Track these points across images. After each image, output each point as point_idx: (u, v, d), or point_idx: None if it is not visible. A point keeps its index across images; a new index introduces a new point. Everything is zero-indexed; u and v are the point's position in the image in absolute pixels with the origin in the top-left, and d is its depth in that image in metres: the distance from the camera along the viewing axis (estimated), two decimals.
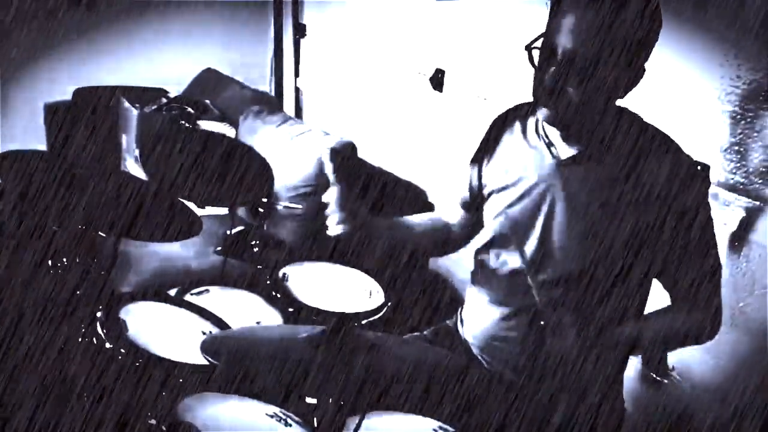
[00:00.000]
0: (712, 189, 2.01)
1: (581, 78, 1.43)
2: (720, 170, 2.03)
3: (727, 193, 2.02)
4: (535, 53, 1.49)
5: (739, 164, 2.01)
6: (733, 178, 2.02)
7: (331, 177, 1.60)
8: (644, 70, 1.50)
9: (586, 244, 1.55)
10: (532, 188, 1.61)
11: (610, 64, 1.42)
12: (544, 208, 1.60)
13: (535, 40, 1.48)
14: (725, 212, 2.01)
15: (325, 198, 1.61)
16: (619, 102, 1.55)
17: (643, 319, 1.60)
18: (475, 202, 1.78)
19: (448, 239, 1.87)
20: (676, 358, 2.18)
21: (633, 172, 1.51)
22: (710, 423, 2.12)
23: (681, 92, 2.07)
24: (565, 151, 1.57)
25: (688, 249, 1.51)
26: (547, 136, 1.60)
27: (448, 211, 1.88)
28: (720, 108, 2.01)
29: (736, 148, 2.00)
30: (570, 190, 1.56)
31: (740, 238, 2.03)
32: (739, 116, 1.99)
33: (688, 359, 2.15)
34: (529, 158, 1.62)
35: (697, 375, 2.15)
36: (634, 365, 2.24)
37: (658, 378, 2.21)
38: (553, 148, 1.59)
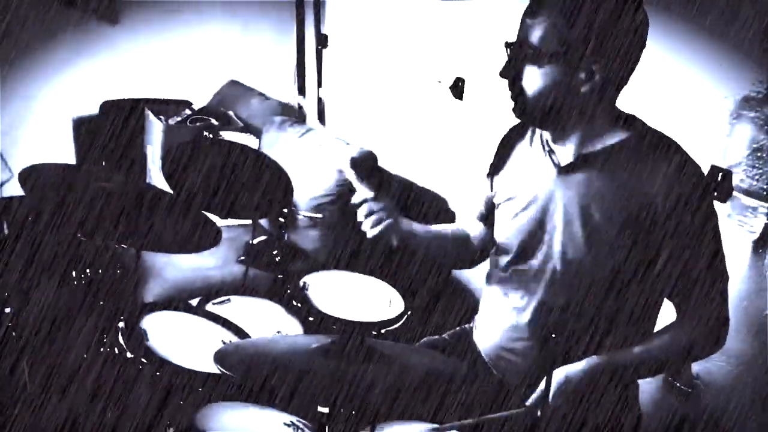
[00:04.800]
0: (735, 195, 1.99)
1: (533, 75, 1.45)
2: (743, 176, 2.01)
3: (750, 199, 1.99)
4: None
5: (762, 170, 1.98)
6: (756, 184, 1.99)
7: (356, 184, 1.62)
8: (627, 75, 1.49)
9: (588, 251, 1.54)
10: (536, 197, 1.61)
11: (570, 62, 1.43)
12: (547, 217, 1.59)
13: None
14: (749, 219, 1.98)
15: (356, 199, 1.62)
16: (625, 109, 1.54)
17: (645, 343, 1.56)
18: (490, 214, 1.78)
19: (470, 252, 1.87)
20: (700, 366, 2.15)
21: (633, 177, 1.49)
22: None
23: (702, 99, 2.05)
24: (565, 158, 1.57)
25: (693, 256, 1.48)
26: (548, 144, 1.60)
27: (468, 224, 1.88)
28: (742, 113, 1.98)
29: (759, 153, 1.98)
30: (569, 197, 1.55)
31: (764, 244, 2.00)
32: (761, 122, 1.96)
33: (712, 368, 2.12)
34: (533, 167, 1.62)
35: (721, 384, 2.11)
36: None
37: (682, 387, 2.18)
38: (553, 156, 1.58)
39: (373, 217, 1.59)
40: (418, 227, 1.74)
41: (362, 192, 1.62)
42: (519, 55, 1.48)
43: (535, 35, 1.45)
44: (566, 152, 1.57)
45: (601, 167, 1.52)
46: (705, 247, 1.48)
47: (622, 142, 1.52)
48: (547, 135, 1.60)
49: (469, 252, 1.87)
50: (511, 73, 1.51)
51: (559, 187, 1.57)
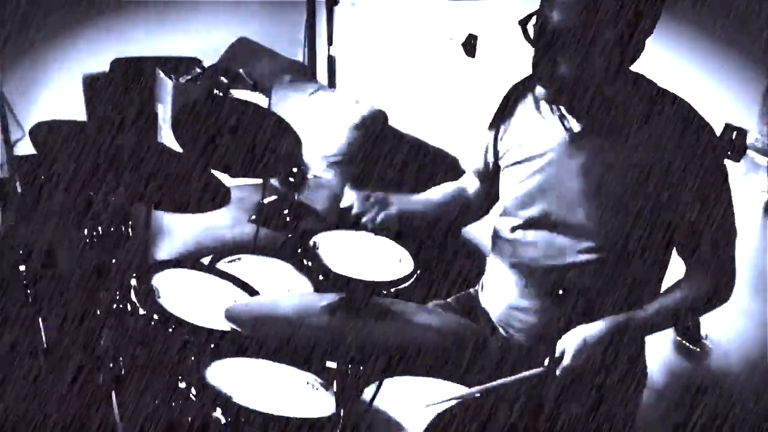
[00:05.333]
0: (749, 154, 1.97)
1: (572, 53, 1.42)
2: (757, 135, 1.98)
3: (764, 158, 1.97)
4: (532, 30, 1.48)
5: None
6: None
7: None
8: (644, 40, 1.46)
9: (601, 217, 1.54)
10: (545, 162, 1.60)
11: (601, 37, 1.40)
12: (556, 182, 1.58)
13: (530, 15, 1.47)
14: (761, 177, 1.97)
15: (345, 203, 1.65)
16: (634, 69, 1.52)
17: (659, 300, 1.58)
18: (490, 173, 1.78)
19: (468, 210, 1.88)
20: (708, 324, 2.16)
21: (646, 140, 1.48)
22: (743, 389, 2.10)
23: (715, 56, 2.02)
24: (576, 122, 1.55)
25: (703, 214, 1.48)
26: (559, 109, 1.58)
27: (467, 180, 1.88)
28: (757, 72, 1.95)
29: None
30: (580, 162, 1.54)
31: None
32: None
33: (721, 326, 2.12)
34: (541, 131, 1.61)
35: (730, 342, 2.12)
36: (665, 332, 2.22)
37: (690, 345, 2.19)
38: (565, 121, 1.56)
39: (369, 215, 1.63)
40: (413, 202, 1.76)
41: (348, 197, 1.65)
42: (552, 35, 1.43)
43: (569, 12, 1.41)
44: (577, 116, 1.55)
45: (612, 130, 1.51)
46: (715, 205, 1.48)
47: (634, 105, 1.50)
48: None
49: (467, 210, 1.88)
50: (538, 48, 1.47)
51: (570, 150, 1.56)
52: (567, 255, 1.59)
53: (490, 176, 1.79)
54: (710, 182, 1.47)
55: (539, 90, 1.50)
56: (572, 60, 1.43)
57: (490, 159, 1.77)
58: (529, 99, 1.66)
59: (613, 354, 1.49)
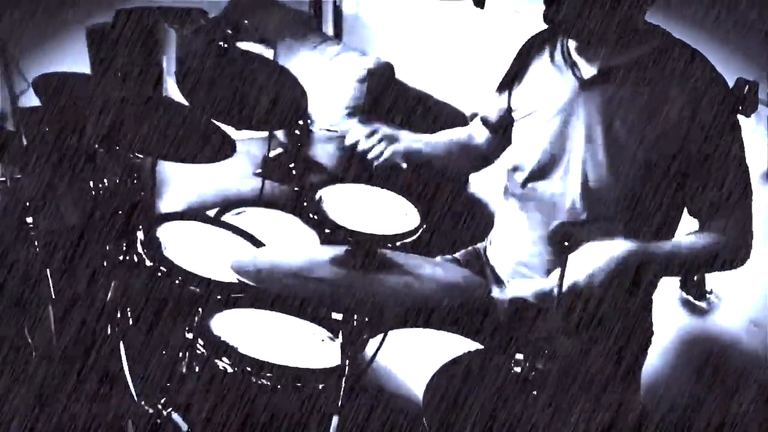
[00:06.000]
0: (761, 108, 1.94)
1: None
2: None
3: None
4: None
5: None
6: None
7: (350, 125, 1.63)
8: None
9: (610, 166, 1.52)
10: (556, 112, 1.58)
11: None
12: (568, 132, 1.57)
13: None
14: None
15: (350, 139, 1.62)
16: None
17: (669, 242, 1.55)
18: (502, 123, 1.76)
19: (474, 158, 1.87)
20: (713, 281, 2.16)
21: (657, 89, 1.45)
22: (748, 347, 2.11)
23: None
24: (588, 71, 1.52)
25: (716, 167, 1.46)
26: (570, 56, 1.55)
27: (476, 129, 1.86)
28: None
29: None
30: (592, 111, 1.52)
31: None
32: None
33: (726, 282, 2.12)
34: (554, 82, 1.59)
35: (735, 298, 2.12)
36: (670, 287, 2.22)
37: (695, 301, 2.19)
38: (576, 70, 1.54)
39: (375, 150, 1.61)
40: (420, 140, 1.75)
41: (356, 130, 1.63)
42: None
43: None
44: (590, 65, 1.53)
45: (624, 80, 1.49)
46: (730, 162, 1.45)
47: (646, 54, 1.47)
48: (571, 46, 1.56)
49: (473, 158, 1.88)
50: None
51: (581, 101, 1.54)
52: (577, 210, 1.58)
53: (501, 126, 1.78)
54: (722, 134, 1.45)
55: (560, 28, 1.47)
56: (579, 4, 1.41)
57: (503, 109, 1.75)
58: (545, 51, 1.64)
59: (621, 283, 1.44)
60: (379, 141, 1.67)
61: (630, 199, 1.52)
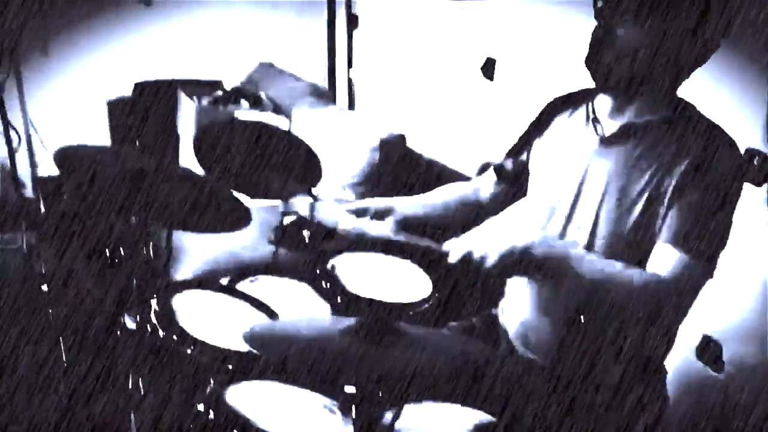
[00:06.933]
0: None
1: (635, 32, 1.42)
2: None
3: None
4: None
5: None
6: None
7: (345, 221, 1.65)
8: (705, 58, 1.46)
9: (622, 225, 1.52)
10: (573, 168, 1.59)
11: (671, 26, 1.40)
12: (583, 189, 1.57)
13: None
14: None
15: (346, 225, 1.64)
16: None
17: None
18: (517, 175, 1.77)
19: (478, 212, 1.87)
20: (731, 351, 2.13)
21: (669, 150, 1.47)
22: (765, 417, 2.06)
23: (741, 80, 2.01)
24: (610, 128, 1.54)
25: (700, 215, 1.43)
26: (594, 112, 1.58)
27: (482, 180, 1.87)
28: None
29: None
30: (609, 168, 1.53)
31: None
32: None
33: (744, 354, 2.09)
34: (573, 138, 1.61)
35: (753, 369, 2.09)
36: (687, 357, 2.20)
37: (712, 372, 2.16)
38: (597, 125, 1.56)
39: (370, 230, 1.62)
40: (414, 203, 1.75)
41: (347, 215, 1.65)
42: (616, 6, 1.44)
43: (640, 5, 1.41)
44: (612, 122, 1.55)
45: (642, 139, 1.50)
46: (716, 213, 1.43)
47: (667, 117, 1.50)
48: (596, 103, 1.58)
49: (475, 211, 1.87)
50: (605, 19, 1.46)
51: (599, 158, 1.55)
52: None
53: (515, 178, 1.78)
54: (722, 204, 1.44)
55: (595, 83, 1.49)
56: (629, 38, 1.42)
57: (521, 161, 1.77)
58: (569, 111, 1.67)
59: (626, 381, 1.43)
60: (372, 218, 1.68)
61: (638, 260, 1.52)
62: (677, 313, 1.51)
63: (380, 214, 1.68)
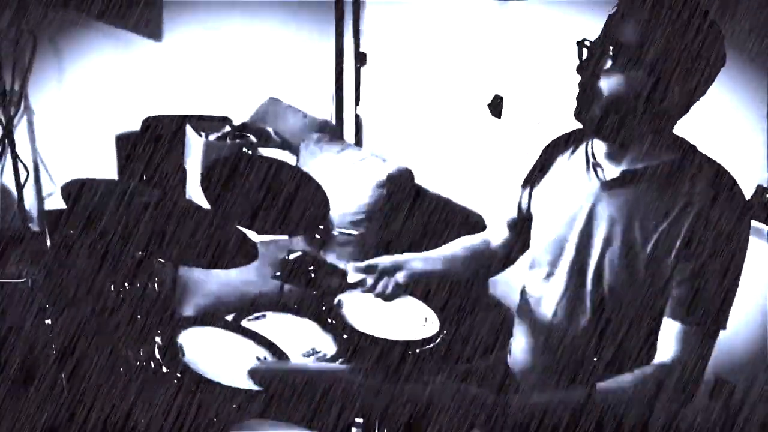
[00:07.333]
0: None
1: (618, 78, 1.40)
2: None
3: None
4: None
5: None
6: None
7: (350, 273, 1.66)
8: (696, 99, 1.45)
9: (626, 270, 1.50)
10: (575, 213, 1.58)
11: (656, 71, 1.38)
12: (586, 233, 1.56)
13: (587, 42, 1.45)
14: None
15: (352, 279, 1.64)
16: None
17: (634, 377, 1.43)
18: (523, 223, 1.77)
19: (490, 263, 1.85)
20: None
21: (672, 195, 1.45)
22: None
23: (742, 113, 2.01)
24: (611, 173, 1.53)
25: (710, 273, 1.41)
26: (594, 156, 1.57)
27: (494, 232, 1.86)
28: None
29: None
30: (611, 213, 1.52)
31: None
32: None
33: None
34: (576, 182, 1.59)
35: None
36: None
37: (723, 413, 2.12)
38: (599, 170, 1.55)
39: (378, 287, 1.62)
40: (425, 260, 1.74)
41: (353, 275, 1.64)
42: (599, 54, 1.43)
43: (626, 36, 1.40)
44: (613, 167, 1.54)
45: (645, 184, 1.49)
46: (725, 267, 1.41)
47: (669, 161, 1.48)
48: (595, 148, 1.57)
49: (489, 263, 1.86)
50: (588, 72, 1.45)
51: (601, 202, 1.54)
52: (594, 315, 1.56)
53: (520, 226, 1.78)
54: (731, 251, 1.42)
55: (587, 127, 1.49)
56: (612, 85, 1.42)
57: (524, 209, 1.76)
58: (568, 152, 1.66)
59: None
60: (380, 276, 1.66)
61: (642, 306, 1.49)
62: (694, 382, 1.48)
63: (389, 272, 1.67)
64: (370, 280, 1.64)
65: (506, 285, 2.75)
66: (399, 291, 1.65)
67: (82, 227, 1.93)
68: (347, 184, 2.96)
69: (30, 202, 3.60)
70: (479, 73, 3.02)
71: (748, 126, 2.02)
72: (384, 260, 1.68)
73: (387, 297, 1.64)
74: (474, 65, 3.05)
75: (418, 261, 1.72)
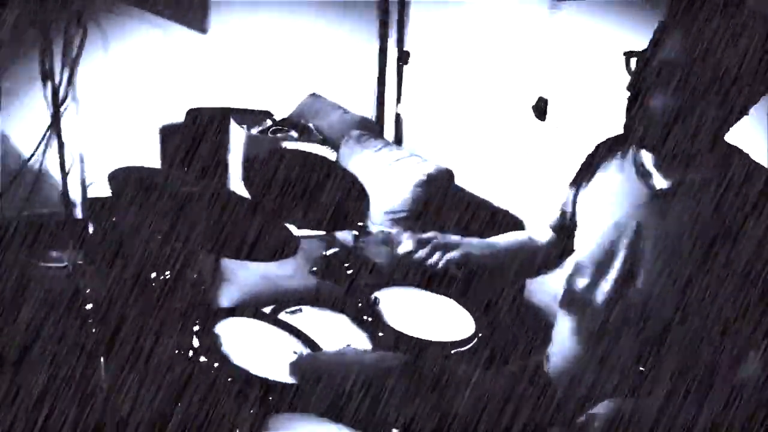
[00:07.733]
0: None
1: (670, 93, 1.36)
2: None
3: None
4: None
5: None
6: None
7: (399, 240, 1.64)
8: (748, 108, 1.41)
9: (673, 280, 1.47)
10: (623, 220, 1.55)
11: (718, 88, 1.34)
12: (634, 242, 1.53)
13: (637, 52, 1.42)
14: None
15: (403, 248, 1.64)
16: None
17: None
18: (567, 226, 1.74)
19: (536, 262, 1.83)
20: None
21: (726, 209, 1.42)
22: None
23: None
24: (662, 183, 1.50)
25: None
26: (643, 166, 1.54)
27: (539, 232, 1.84)
28: None
29: None
30: (661, 223, 1.48)
31: None
32: None
33: None
34: (624, 189, 1.57)
35: None
36: None
37: None
38: (649, 179, 1.52)
39: (431, 259, 1.61)
40: (477, 246, 1.72)
41: (409, 240, 1.63)
42: (648, 70, 1.39)
43: (675, 51, 1.36)
44: (664, 177, 1.51)
45: (697, 196, 1.45)
46: None
47: (722, 173, 1.44)
48: (644, 156, 1.55)
49: (532, 262, 1.83)
50: (636, 89, 1.41)
51: (651, 212, 1.51)
52: (638, 323, 1.53)
53: (566, 230, 1.75)
54: None
55: (635, 136, 1.45)
56: (665, 100, 1.38)
57: (569, 213, 1.74)
58: (616, 156, 1.63)
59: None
60: (433, 249, 1.65)
61: (688, 315, 1.46)
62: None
63: (442, 247, 1.66)
64: (422, 253, 1.63)
65: (541, 289, 2.73)
66: (451, 266, 1.63)
67: (126, 215, 1.96)
68: (386, 182, 2.96)
69: (74, 190, 3.66)
70: (522, 76, 2.99)
71: (748, 126, 1.96)
72: (439, 237, 1.68)
73: (438, 270, 1.62)
74: (517, 67, 3.03)
75: (470, 245, 1.71)
